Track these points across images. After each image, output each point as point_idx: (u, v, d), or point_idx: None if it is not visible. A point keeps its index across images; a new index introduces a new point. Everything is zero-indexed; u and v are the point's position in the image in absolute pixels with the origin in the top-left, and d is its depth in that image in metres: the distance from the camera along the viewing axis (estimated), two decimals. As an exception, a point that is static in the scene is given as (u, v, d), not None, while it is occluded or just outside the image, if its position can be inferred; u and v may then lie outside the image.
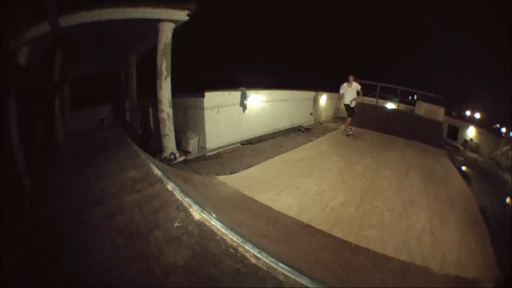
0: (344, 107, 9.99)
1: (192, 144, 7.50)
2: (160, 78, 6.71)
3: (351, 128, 10.23)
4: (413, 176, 7.07)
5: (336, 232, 3.96)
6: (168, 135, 6.93)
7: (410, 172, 7.31)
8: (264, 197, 4.76)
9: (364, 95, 10.27)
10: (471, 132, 17.88)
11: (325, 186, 5.49)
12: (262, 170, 6.15)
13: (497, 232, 5.41)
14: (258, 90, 9.50)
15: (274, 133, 10.21)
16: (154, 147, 7.35)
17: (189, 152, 7.40)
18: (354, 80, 9.69)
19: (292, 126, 11.56)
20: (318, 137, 9.92)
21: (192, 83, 10.07)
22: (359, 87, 9.74)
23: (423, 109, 15.95)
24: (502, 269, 3.86)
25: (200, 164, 6.73)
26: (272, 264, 1.94)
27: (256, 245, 2.14)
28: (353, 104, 9.87)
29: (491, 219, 5.97)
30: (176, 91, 7.05)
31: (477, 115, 23.38)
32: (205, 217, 2.44)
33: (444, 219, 5.10)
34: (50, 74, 5.01)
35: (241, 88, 8.53)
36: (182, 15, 6.62)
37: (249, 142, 8.65)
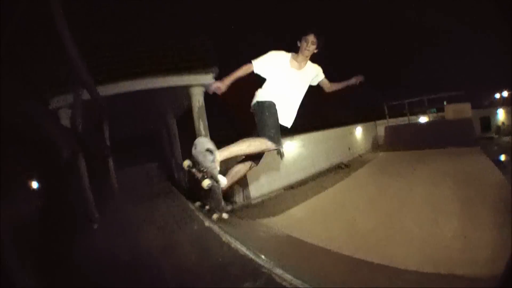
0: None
1: (237, 196, 8.30)
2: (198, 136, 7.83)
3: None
4: (445, 186, 7.55)
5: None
6: (213, 189, 7.81)
7: (441, 183, 7.76)
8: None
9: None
10: (500, 116, 18.20)
11: (361, 214, 6.18)
12: (301, 210, 6.99)
13: None
14: (292, 136, 10.21)
15: (314, 174, 10.84)
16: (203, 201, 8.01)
17: (235, 202, 8.18)
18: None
19: (332, 165, 12.17)
20: (357, 171, 10.72)
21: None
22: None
23: (450, 111, 16.20)
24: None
25: (247, 212, 7.45)
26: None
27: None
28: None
29: None
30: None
31: (505, 93, 23.48)
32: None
33: (477, 220, 5.43)
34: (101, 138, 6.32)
35: None
36: (208, 79, 7.64)
37: (291, 186, 9.45)
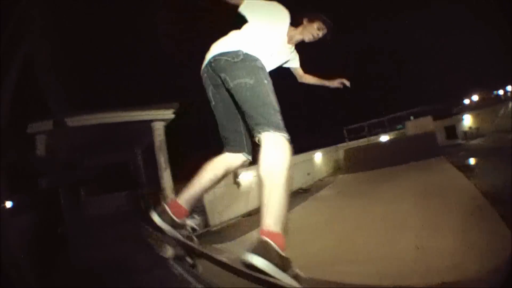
0: None
1: (197, 223, 9.74)
2: (160, 170, 9.36)
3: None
4: (404, 200, 8.92)
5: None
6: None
7: (401, 199, 9.19)
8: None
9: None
10: (467, 121, 20.80)
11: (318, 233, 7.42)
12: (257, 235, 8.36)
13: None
14: (249, 165, 11.99)
15: None
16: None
17: (195, 230, 9.66)
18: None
19: (291, 191, 14.07)
20: (314, 194, 12.43)
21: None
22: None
23: (411, 127, 18.77)
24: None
25: (205, 239, 8.51)
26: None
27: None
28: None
29: (501, 194, 7.61)
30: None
31: (475, 97, 26.81)
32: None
33: (436, 229, 6.46)
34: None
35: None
36: (169, 114, 9.36)
37: (249, 214, 10.87)
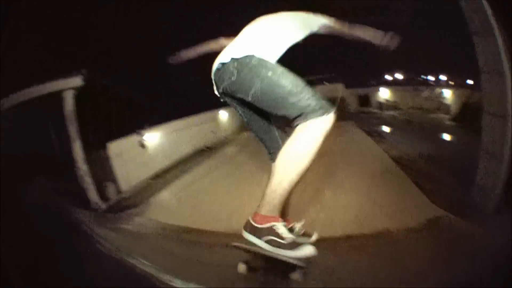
0: None
1: (110, 191, 10.43)
2: (71, 141, 9.88)
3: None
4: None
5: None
6: (88, 188, 9.78)
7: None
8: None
9: None
10: (384, 94, 22.79)
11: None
12: (166, 196, 9.07)
13: (423, 172, 8.10)
14: (153, 128, 13.00)
15: (179, 161, 13.64)
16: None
17: (110, 199, 10.18)
18: None
19: (196, 149, 15.29)
20: (218, 152, 14.08)
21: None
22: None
23: (319, 91, 20.43)
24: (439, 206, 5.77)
25: (120, 205, 9.46)
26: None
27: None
28: None
29: (414, 163, 8.91)
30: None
31: (399, 75, 29.22)
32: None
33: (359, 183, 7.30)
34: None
35: (137, 131, 12.07)
36: (79, 81, 9.87)
37: (156, 175, 11.93)
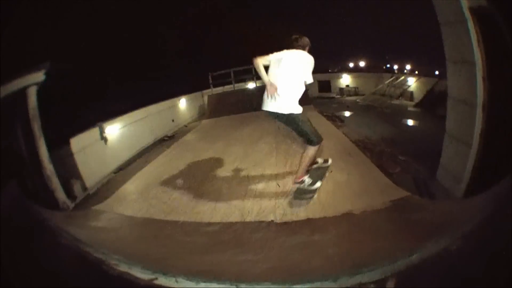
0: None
1: (76, 189, 10.18)
2: (36, 139, 9.46)
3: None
4: (263, 141, 10.44)
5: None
6: (56, 188, 9.43)
7: (260, 139, 10.65)
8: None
9: None
10: (345, 80, 23.77)
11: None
12: (129, 188, 8.79)
13: (384, 153, 8.49)
14: (113, 120, 12.79)
15: (141, 152, 13.63)
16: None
17: (77, 197, 10.01)
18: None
19: (157, 139, 15.38)
20: (178, 140, 13.79)
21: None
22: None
23: None
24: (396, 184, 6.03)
25: (87, 202, 9.33)
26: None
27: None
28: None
29: (376, 146, 9.20)
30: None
31: (362, 63, 29.91)
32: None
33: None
34: None
35: (98, 124, 11.75)
36: (41, 76, 9.51)
37: (120, 168, 11.85)
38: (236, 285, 2.74)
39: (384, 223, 4.77)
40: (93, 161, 11.27)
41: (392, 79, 20.91)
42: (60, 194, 9.50)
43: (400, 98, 19.17)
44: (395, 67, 26.89)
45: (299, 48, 5.64)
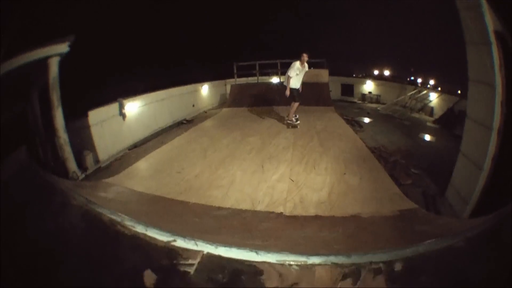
0: (289, 92, 11.28)
1: (88, 161, 10.43)
2: (53, 108, 9.75)
3: (296, 117, 11.93)
4: (282, 136, 10.59)
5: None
6: (67, 158, 9.74)
7: (285, 135, 10.70)
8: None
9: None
10: (368, 86, 23.90)
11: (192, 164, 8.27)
12: (141, 165, 8.80)
13: (398, 164, 8.56)
14: (133, 97, 13.03)
15: (157, 132, 13.88)
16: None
17: (88, 169, 10.28)
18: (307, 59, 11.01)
19: (175, 121, 15.61)
20: (196, 125, 13.76)
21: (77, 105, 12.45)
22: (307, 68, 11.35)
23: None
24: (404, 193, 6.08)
25: (99, 175, 9.62)
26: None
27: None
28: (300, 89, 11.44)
29: (391, 156, 9.28)
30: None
31: (386, 72, 30.05)
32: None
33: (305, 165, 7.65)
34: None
35: (118, 100, 12.00)
36: (65, 48, 9.72)
37: (135, 145, 12.08)
38: (256, 252, 2.79)
39: (389, 229, 4.84)
40: (108, 136, 11.53)
41: (414, 92, 20.84)
42: (71, 164, 9.76)
43: (420, 112, 19.09)
44: (419, 80, 26.90)
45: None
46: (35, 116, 11.45)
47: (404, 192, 6.42)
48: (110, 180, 7.47)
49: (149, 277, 2.53)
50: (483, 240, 2.95)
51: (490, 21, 5.56)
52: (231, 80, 20.68)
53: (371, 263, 2.74)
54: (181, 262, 2.69)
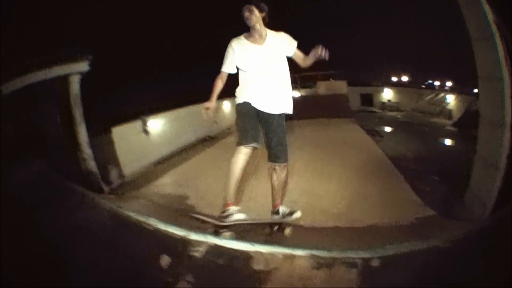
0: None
1: (112, 175, 10.64)
2: (75, 125, 10.00)
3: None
4: (309, 150, 10.41)
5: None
6: (92, 172, 9.91)
7: (306, 148, 10.54)
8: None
9: None
10: (387, 94, 23.98)
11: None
12: (165, 181, 9.08)
13: (417, 173, 8.29)
14: (156, 114, 13.25)
15: (181, 148, 14.00)
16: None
17: (112, 183, 10.43)
18: None
19: (198, 138, 15.75)
20: (220, 141, 14.23)
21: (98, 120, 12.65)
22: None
23: (322, 87, 20.93)
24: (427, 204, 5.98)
25: (122, 190, 9.62)
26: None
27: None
28: None
29: (411, 163, 9.18)
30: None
31: (404, 78, 29.90)
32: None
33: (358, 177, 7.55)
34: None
35: (141, 117, 12.27)
36: (85, 66, 10.03)
37: (159, 161, 12.21)
38: (251, 244, 3.38)
39: (405, 236, 4.72)
40: (132, 152, 11.74)
41: (431, 96, 20.77)
42: (95, 177, 9.92)
43: (439, 116, 18.98)
44: (436, 83, 26.73)
45: None
46: (57, 129, 11.41)
47: (423, 199, 6.42)
48: (134, 193, 7.91)
49: (165, 259, 3.15)
50: (472, 241, 3.22)
51: (490, 14, 5.49)
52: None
53: (348, 258, 3.08)
54: (191, 249, 3.29)
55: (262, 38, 4.47)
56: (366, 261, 3.01)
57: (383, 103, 23.86)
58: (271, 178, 5.00)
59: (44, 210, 3.93)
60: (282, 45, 4.55)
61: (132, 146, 11.70)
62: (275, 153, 4.75)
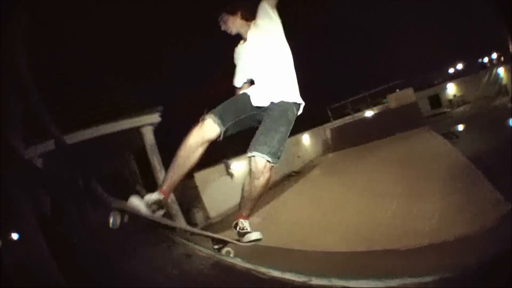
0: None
1: (198, 218, 10.78)
2: (155, 172, 10.33)
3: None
4: (388, 171, 10.08)
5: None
6: (176, 214, 10.09)
7: (384, 169, 10.38)
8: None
9: None
10: (451, 90, 22.97)
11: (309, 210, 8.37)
12: (255, 219, 9.04)
13: (496, 166, 7.43)
14: (238, 157, 13.02)
15: (269, 186, 14.11)
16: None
17: (197, 224, 10.52)
18: None
19: (284, 174, 15.42)
20: (305, 175, 13.73)
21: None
22: None
23: (393, 100, 20.04)
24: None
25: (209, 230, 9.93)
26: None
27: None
28: None
29: (488, 159, 8.23)
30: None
31: (459, 66, 29.15)
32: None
33: (419, 195, 7.27)
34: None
35: (223, 161, 12.37)
36: (156, 118, 10.37)
37: None
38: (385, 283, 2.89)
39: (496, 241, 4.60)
40: (217, 194, 11.78)
41: (487, 76, 20.18)
42: (180, 220, 10.16)
43: (499, 95, 18.24)
44: (485, 60, 25.80)
45: None
46: (132, 174, 12.79)
47: (503, 193, 5.96)
48: (220, 234, 7.64)
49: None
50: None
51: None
52: (328, 124, 20.79)
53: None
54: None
55: (245, 38, 3.60)
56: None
57: (450, 100, 23.14)
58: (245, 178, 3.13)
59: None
60: (262, 28, 3.44)
61: (217, 189, 11.80)
62: (256, 139, 2.92)
